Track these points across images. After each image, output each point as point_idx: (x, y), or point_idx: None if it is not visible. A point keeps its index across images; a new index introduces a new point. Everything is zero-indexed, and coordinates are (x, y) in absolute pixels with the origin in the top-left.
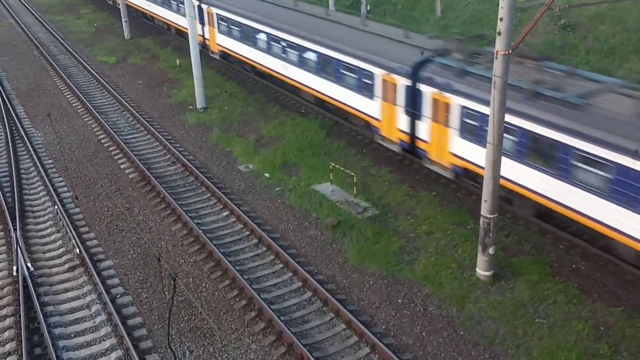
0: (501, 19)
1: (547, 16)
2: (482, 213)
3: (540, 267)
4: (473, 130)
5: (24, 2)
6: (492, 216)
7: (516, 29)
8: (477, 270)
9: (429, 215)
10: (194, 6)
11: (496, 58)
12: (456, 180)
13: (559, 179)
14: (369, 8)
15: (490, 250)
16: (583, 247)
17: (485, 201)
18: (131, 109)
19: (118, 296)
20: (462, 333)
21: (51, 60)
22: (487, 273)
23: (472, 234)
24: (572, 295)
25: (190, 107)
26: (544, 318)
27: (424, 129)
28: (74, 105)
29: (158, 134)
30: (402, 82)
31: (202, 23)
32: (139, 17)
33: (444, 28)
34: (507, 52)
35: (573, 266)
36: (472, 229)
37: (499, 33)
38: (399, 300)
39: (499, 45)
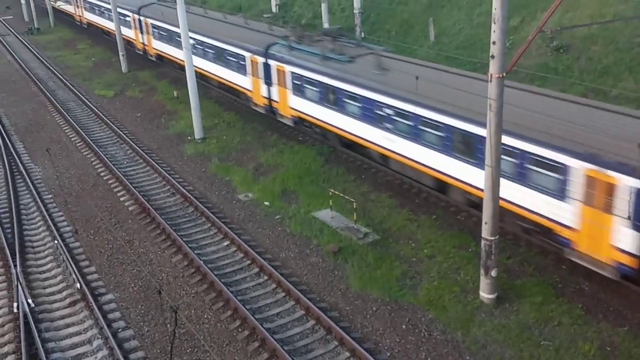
0: (494, 43)
1: (539, 38)
2: (483, 235)
3: (544, 288)
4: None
5: (21, 39)
6: (493, 238)
7: (509, 51)
8: (481, 293)
9: (430, 239)
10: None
11: (490, 81)
12: (456, 204)
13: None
14: (363, 35)
15: (493, 273)
16: (586, 267)
17: (485, 223)
18: (130, 141)
19: (119, 330)
20: (467, 358)
21: (49, 96)
22: (491, 296)
23: (474, 256)
24: (577, 316)
25: (189, 137)
26: (549, 340)
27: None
28: (72, 139)
29: (157, 166)
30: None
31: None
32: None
33: (438, 53)
34: (501, 75)
35: (577, 287)
36: (474, 251)
37: (492, 56)
38: (403, 326)
39: (493, 68)
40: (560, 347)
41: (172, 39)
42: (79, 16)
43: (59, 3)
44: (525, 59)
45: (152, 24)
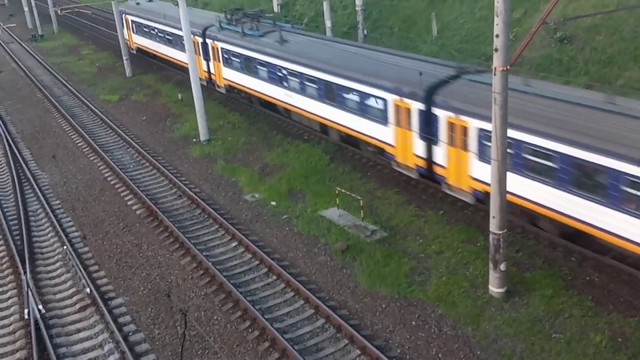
0: (497, 36)
1: (543, 30)
2: (491, 229)
3: (554, 281)
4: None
5: (25, 46)
6: (501, 232)
7: (513, 44)
8: (490, 287)
9: (437, 234)
10: None
11: (495, 74)
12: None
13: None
14: (365, 32)
15: (502, 267)
16: (595, 258)
17: (493, 217)
18: (136, 145)
19: (130, 334)
20: (478, 352)
21: (55, 102)
22: (500, 290)
23: (483, 251)
24: (587, 308)
25: (194, 140)
26: (560, 333)
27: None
28: (79, 145)
29: (163, 169)
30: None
31: None
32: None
33: (441, 47)
34: (505, 68)
35: (587, 278)
36: (482, 246)
37: (496, 49)
38: (413, 323)
39: (497, 61)
40: (572, 340)
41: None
42: (209, 75)
43: (139, 41)
44: (529, 51)
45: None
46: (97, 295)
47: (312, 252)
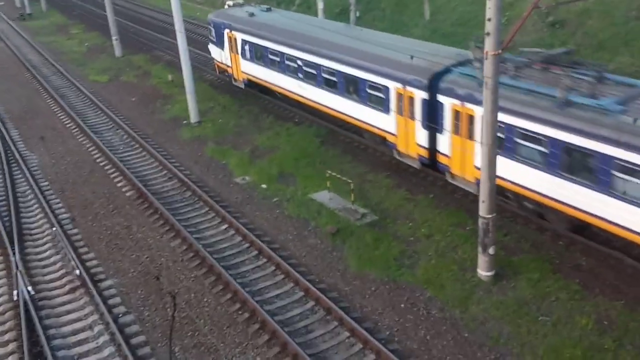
0: (489, 20)
1: (535, 14)
2: (480, 213)
3: (541, 264)
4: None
5: (13, 25)
6: (490, 216)
7: (505, 28)
8: (478, 270)
9: (427, 218)
10: None
11: (486, 59)
12: (453, 183)
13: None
14: (358, 14)
15: (491, 251)
16: (583, 242)
17: (483, 201)
18: (125, 126)
19: (120, 315)
20: (466, 335)
21: (43, 82)
22: (489, 273)
23: (472, 234)
24: (574, 292)
25: (184, 121)
26: (547, 315)
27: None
28: (67, 126)
29: (153, 150)
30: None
31: None
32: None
33: (433, 31)
34: (496, 53)
35: (574, 262)
36: (471, 229)
37: (487, 34)
38: (402, 305)
39: (489, 45)
40: (558, 322)
41: None
42: (429, 153)
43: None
44: (521, 35)
45: None
46: (86, 277)
47: (302, 235)
